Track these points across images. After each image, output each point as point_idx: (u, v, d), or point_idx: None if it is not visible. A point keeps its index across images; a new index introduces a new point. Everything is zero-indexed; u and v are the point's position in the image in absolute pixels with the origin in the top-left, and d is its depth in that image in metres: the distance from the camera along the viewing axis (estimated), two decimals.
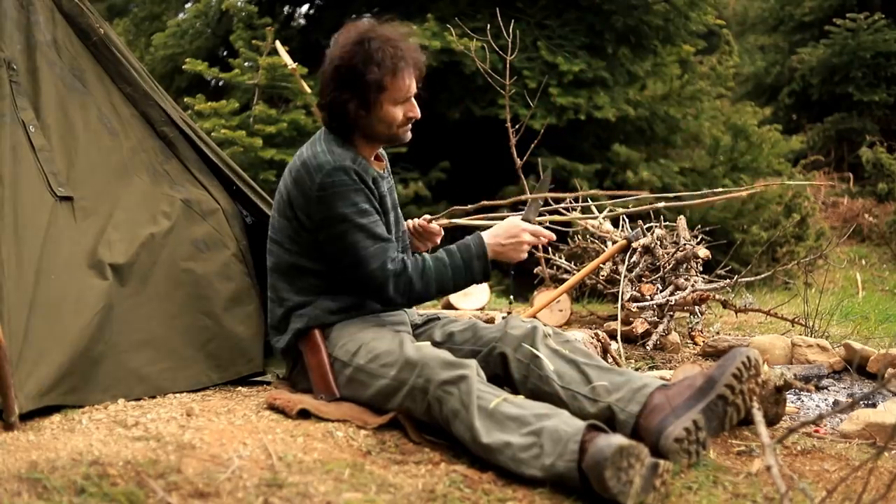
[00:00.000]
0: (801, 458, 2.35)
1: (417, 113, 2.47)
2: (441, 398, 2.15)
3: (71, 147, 2.60)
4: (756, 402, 2.18)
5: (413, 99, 2.45)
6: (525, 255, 2.49)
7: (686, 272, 3.97)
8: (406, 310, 2.61)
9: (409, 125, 2.49)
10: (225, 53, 7.99)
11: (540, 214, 3.76)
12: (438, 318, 2.65)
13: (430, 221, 2.76)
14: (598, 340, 3.26)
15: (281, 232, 2.51)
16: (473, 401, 2.09)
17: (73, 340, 2.30)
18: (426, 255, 2.46)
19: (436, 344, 2.48)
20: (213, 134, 5.40)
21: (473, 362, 2.20)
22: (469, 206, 3.35)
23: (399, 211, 2.63)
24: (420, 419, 2.27)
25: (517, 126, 4.41)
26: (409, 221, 2.73)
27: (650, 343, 3.69)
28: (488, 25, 4.92)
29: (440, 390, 2.16)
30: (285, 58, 5.81)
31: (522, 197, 3.15)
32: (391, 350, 2.32)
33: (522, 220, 2.51)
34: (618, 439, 1.91)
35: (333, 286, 2.48)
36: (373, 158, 2.53)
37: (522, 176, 4.46)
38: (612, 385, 2.24)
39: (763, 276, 4.54)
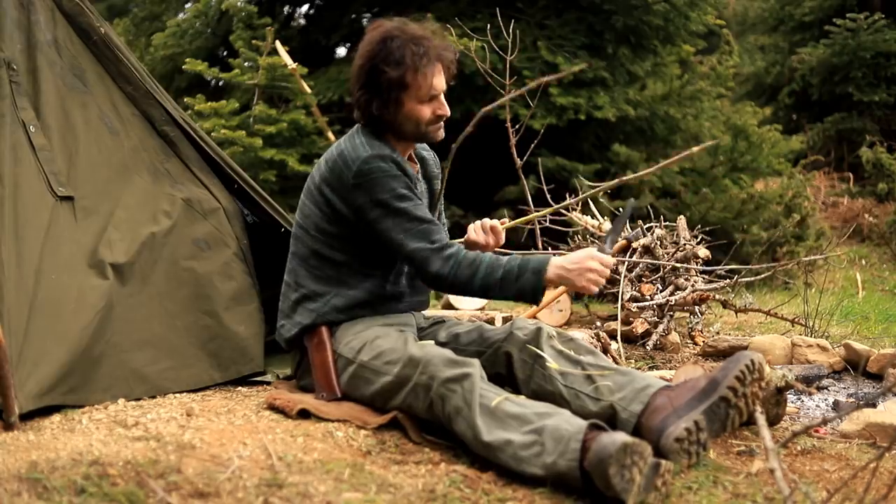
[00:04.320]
0: (801, 458, 2.35)
1: (447, 110, 2.45)
2: (444, 396, 2.16)
3: (71, 146, 2.60)
4: (759, 405, 2.18)
5: (442, 97, 2.44)
6: (594, 288, 2.29)
7: (686, 272, 3.97)
8: (413, 312, 2.61)
9: (440, 123, 2.47)
10: (225, 53, 7.98)
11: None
12: (443, 321, 2.65)
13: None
14: (599, 340, 3.26)
15: (308, 219, 2.51)
16: (476, 399, 2.09)
17: (73, 340, 2.30)
18: (482, 252, 2.38)
19: (440, 344, 2.49)
20: (213, 134, 5.38)
21: (476, 361, 2.20)
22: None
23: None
24: (421, 417, 2.27)
25: (517, 126, 4.41)
26: (479, 222, 2.68)
27: (650, 343, 3.69)
28: (488, 25, 4.91)
29: (443, 388, 2.16)
30: (285, 58, 5.81)
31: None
32: (395, 347, 2.32)
33: (598, 251, 2.36)
34: (622, 437, 1.91)
35: (350, 279, 2.47)
36: (406, 159, 2.52)
37: (522, 176, 4.46)
38: (616, 384, 2.25)
39: (763, 276, 4.54)
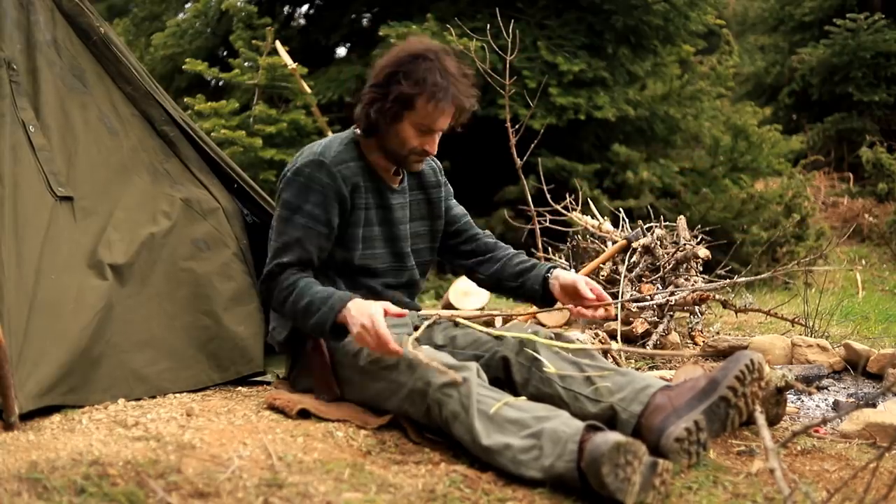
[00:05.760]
0: (800, 458, 2.35)
1: (434, 149, 2.43)
2: (441, 401, 2.15)
3: (71, 147, 2.60)
4: (759, 405, 2.18)
5: (436, 135, 2.41)
6: (361, 341, 2.22)
7: (686, 272, 3.97)
8: (408, 310, 2.61)
9: (423, 158, 2.46)
10: (225, 53, 7.99)
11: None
12: (440, 322, 2.64)
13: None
14: (599, 340, 3.26)
15: None
16: (473, 403, 2.09)
17: (73, 340, 2.30)
18: (308, 279, 2.35)
19: (437, 347, 2.48)
20: (213, 134, 5.39)
21: (474, 365, 2.19)
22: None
23: (404, 228, 2.55)
24: (419, 422, 2.27)
25: (517, 126, 4.42)
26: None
27: (650, 343, 3.69)
28: (488, 25, 4.92)
29: (439, 393, 2.16)
30: (285, 58, 5.82)
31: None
32: None
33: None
34: (614, 436, 1.90)
35: (323, 280, 2.46)
36: (392, 173, 2.50)
37: (522, 176, 4.46)
38: (615, 385, 2.24)
39: (763, 276, 4.54)
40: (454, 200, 2.75)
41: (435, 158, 2.67)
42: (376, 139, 2.44)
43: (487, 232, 2.80)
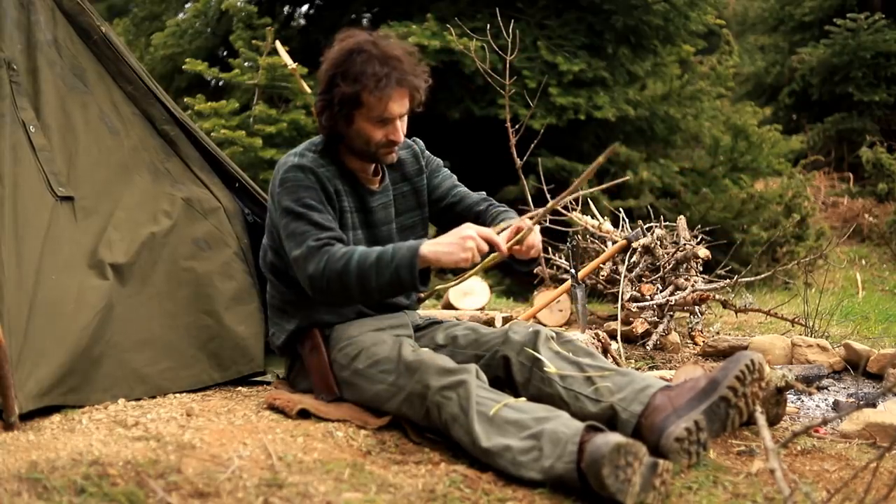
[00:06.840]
0: (800, 458, 2.35)
1: (400, 137, 2.38)
2: (440, 403, 2.15)
3: (71, 147, 2.60)
4: (759, 405, 2.19)
5: (398, 121, 2.35)
6: (466, 256, 2.16)
7: (686, 272, 3.97)
8: (406, 311, 2.60)
9: (392, 148, 2.41)
10: (225, 53, 7.99)
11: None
12: (441, 322, 2.64)
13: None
14: (599, 340, 3.26)
15: (270, 230, 2.50)
16: (472, 406, 2.09)
17: (73, 340, 2.30)
18: (359, 247, 2.27)
19: (439, 347, 2.48)
20: (213, 134, 5.39)
21: (473, 367, 2.19)
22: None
23: (387, 228, 2.52)
24: (419, 424, 2.27)
25: (517, 126, 4.42)
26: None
27: (650, 343, 3.69)
28: (488, 25, 4.92)
29: (438, 395, 2.16)
30: (285, 58, 5.81)
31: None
32: (390, 356, 2.31)
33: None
34: (615, 437, 1.91)
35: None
36: (370, 173, 2.48)
37: (522, 176, 4.46)
38: (615, 385, 2.24)
39: (763, 276, 4.54)
40: (443, 172, 2.67)
41: (417, 141, 2.62)
42: (344, 144, 2.42)
43: (481, 194, 2.72)
